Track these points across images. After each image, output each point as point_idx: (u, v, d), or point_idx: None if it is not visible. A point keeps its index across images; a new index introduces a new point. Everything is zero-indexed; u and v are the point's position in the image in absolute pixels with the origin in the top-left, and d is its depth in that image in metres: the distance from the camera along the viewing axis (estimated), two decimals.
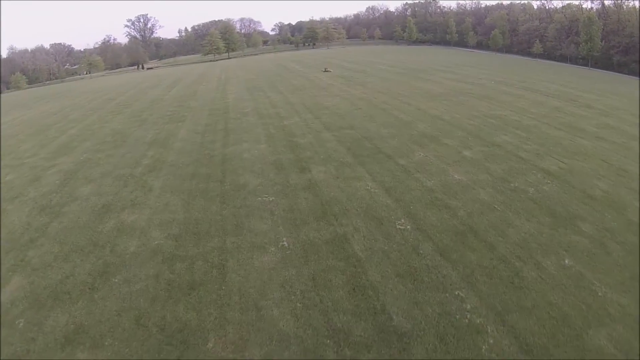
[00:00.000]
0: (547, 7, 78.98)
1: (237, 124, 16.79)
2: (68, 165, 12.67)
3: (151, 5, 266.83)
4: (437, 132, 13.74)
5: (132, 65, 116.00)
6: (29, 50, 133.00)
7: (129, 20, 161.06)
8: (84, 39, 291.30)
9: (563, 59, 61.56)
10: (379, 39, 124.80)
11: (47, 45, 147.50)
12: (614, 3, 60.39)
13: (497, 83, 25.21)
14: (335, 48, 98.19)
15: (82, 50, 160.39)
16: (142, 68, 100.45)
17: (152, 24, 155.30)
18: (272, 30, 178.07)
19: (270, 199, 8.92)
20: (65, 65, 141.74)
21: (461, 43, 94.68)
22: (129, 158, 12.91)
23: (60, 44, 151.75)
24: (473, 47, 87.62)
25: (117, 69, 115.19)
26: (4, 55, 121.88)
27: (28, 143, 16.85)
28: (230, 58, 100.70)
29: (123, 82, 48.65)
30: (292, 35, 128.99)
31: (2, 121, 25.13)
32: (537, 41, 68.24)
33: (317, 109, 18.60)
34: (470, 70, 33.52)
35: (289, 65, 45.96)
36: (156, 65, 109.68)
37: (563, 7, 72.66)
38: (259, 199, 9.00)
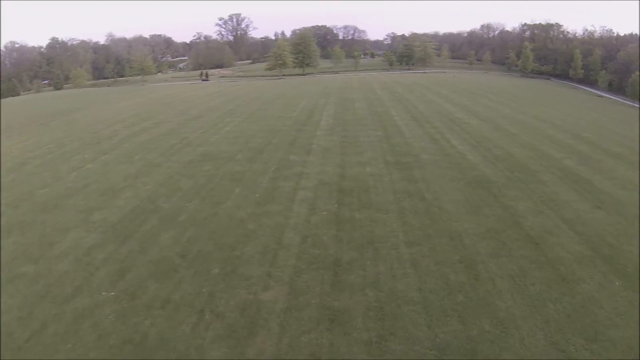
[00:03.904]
0: None
1: None
2: None
3: (253, 5, 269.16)
4: None
5: (216, 67, 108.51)
6: (127, 39, 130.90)
7: (220, 19, 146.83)
8: (181, 32, 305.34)
9: None
10: (489, 62, 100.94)
11: (147, 36, 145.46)
12: None
13: None
14: (431, 73, 78.62)
15: (187, 42, 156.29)
16: (206, 78, 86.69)
17: (247, 24, 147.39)
18: (385, 39, 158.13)
19: None
20: (165, 57, 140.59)
21: (587, 80, 70.92)
22: None
23: (159, 35, 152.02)
24: (603, 90, 64.16)
25: (197, 69, 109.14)
26: (102, 41, 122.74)
27: None
28: (306, 74, 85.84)
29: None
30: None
31: None
32: None
33: None
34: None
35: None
36: (224, 73, 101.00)
37: None
38: None
